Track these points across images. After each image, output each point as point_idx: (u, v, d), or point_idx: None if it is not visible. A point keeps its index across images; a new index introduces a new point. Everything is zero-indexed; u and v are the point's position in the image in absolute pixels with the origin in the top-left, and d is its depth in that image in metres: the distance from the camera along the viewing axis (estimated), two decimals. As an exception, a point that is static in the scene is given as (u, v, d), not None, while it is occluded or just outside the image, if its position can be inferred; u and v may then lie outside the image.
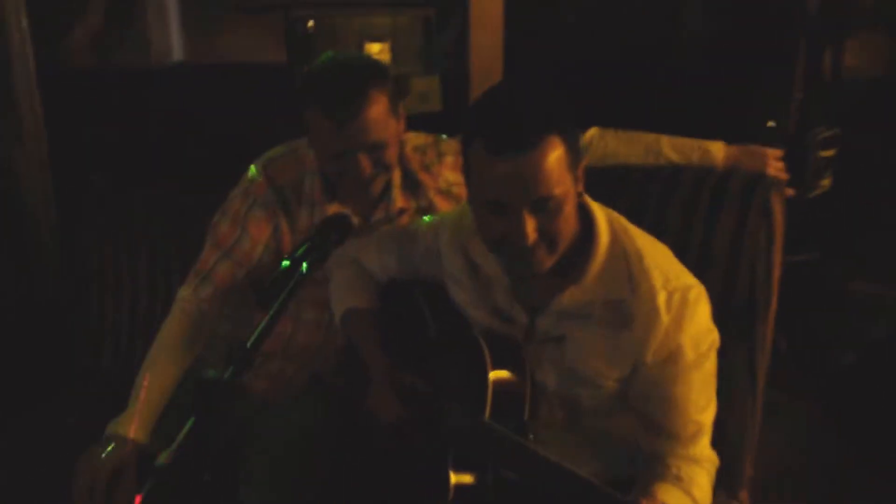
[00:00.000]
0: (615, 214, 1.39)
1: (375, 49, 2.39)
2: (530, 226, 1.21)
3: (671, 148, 1.80)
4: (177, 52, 3.22)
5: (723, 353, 1.67)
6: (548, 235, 1.24)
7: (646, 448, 1.35)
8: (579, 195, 1.29)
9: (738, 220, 1.69)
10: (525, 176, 1.18)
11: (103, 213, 2.32)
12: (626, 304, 1.30)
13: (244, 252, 1.70)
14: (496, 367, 1.34)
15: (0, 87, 2.74)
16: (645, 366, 1.31)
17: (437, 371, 1.45)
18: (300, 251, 1.39)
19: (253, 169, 1.74)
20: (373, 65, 1.63)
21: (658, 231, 1.68)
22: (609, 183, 1.78)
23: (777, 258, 1.70)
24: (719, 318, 1.66)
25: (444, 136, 1.81)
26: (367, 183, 1.62)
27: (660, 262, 1.32)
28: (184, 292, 1.70)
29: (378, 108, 1.55)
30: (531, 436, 1.34)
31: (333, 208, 1.71)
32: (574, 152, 1.23)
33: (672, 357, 1.30)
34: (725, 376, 1.66)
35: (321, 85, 1.55)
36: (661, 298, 1.28)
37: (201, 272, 1.70)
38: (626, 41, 3.29)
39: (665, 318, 1.28)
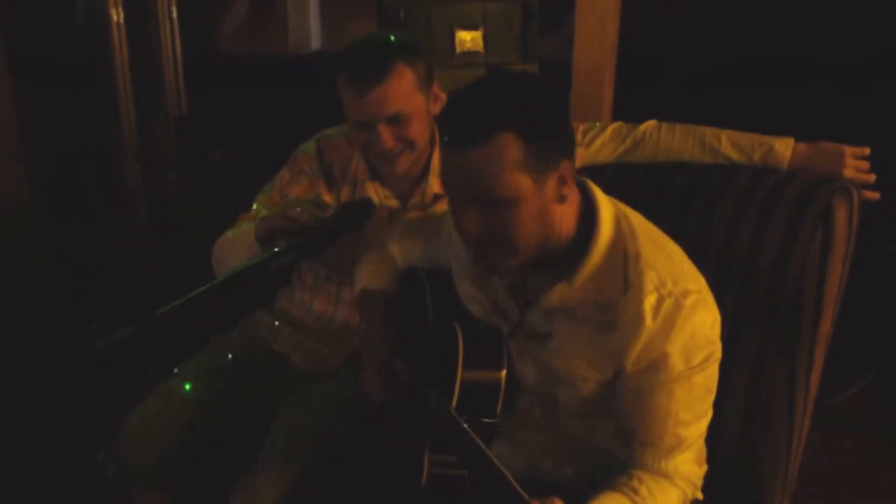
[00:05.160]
0: (627, 212, 1.31)
1: (467, 37, 2.39)
2: (470, 222, 1.18)
3: (731, 145, 1.64)
4: (315, 40, 3.40)
5: (762, 372, 1.55)
6: (499, 236, 1.19)
7: (620, 456, 1.27)
8: (562, 198, 1.21)
9: (788, 226, 1.50)
10: (463, 173, 1.15)
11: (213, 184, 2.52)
12: (616, 306, 1.22)
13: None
14: (469, 358, 1.33)
15: (150, 72, 3.05)
16: (626, 372, 1.23)
17: (426, 358, 1.45)
18: (308, 232, 1.45)
19: (307, 142, 1.82)
20: (404, 40, 1.65)
21: (702, 240, 1.57)
22: (651, 183, 1.69)
23: (835, 270, 1.50)
24: (762, 335, 1.54)
25: None
26: (391, 158, 1.64)
27: (660, 264, 1.23)
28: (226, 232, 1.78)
29: (402, 81, 1.58)
30: (498, 429, 1.32)
31: (374, 188, 1.75)
32: (539, 155, 1.15)
33: (655, 366, 1.21)
34: (762, 399, 1.54)
35: (349, 54, 1.61)
36: (649, 302, 1.19)
37: (246, 219, 1.79)
38: (773, 31, 3.03)
39: (650, 323, 1.19)
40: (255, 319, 1.92)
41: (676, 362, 1.20)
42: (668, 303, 1.19)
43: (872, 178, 1.59)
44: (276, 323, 1.91)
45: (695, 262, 1.56)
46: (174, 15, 3.05)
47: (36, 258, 2.80)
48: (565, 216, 1.24)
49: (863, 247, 1.57)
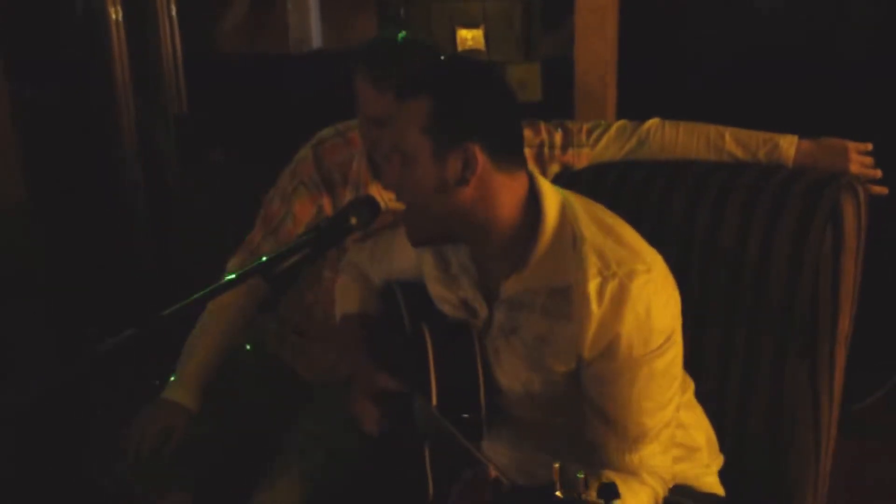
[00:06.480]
0: (574, 199, 1.30)
1: (468, 35, 2.38)
2: (387, 173, 1.31)
3: (735, 142, 1.63)
4: (315, 39, 3.38)
5: (783, 376, 1.55)
6: (400, 197, 1.30)
7: (589, 451, 1.26)
8: (464, 181, 1.21)
9: (799, 225, 1.50)
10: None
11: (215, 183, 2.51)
12: (569, 292, 1.22)
13: (287, 231, 1.76)
14: (439, 353, 1.33)
15: (149, 71, 3.04)
16: (585, 361, 1.22)
17: (405, 366, 1.44)
18: (311, 232, 1.43)
19: (304, 149, 1.80)
20: (425, 44, 1.65)
21: (711, 249, 1.57)
22: (658, 184, 1.67)
23: (848, 267, 1.49)
24: (781, 338, 1.54)
25: None
26: None
27: (605, 247, 1.21)
28: (232, 265, 1.79)
29: None
30: (483, 431, 1.32)
31: (378, 189, 1.73)
32: (444, 127, 1.20)
33: (611, 351, 1.19)
34: (786, 400, 1.54)
35: (370, 49, 1.60)
36: (593, 286, 1.18)
37: (248, 247, 1.78)
38: (774, 31, 3.02)
39: (595, 308, 1.17)
40: (260, 325, 1.90)
41: (632, 346, 1.18)
42: (612, 285, 1.18)
43: (878, 173, 1.58)
44: (281, 329, 1.89)
45: (704, 273, 1.58)
46: (173, 13, 3.04)
47: (35, 258, 2.79)
48: (504, 203, 1.23)
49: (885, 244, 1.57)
